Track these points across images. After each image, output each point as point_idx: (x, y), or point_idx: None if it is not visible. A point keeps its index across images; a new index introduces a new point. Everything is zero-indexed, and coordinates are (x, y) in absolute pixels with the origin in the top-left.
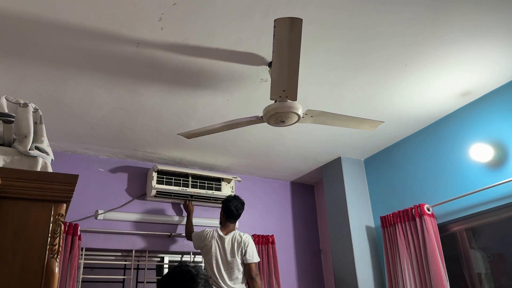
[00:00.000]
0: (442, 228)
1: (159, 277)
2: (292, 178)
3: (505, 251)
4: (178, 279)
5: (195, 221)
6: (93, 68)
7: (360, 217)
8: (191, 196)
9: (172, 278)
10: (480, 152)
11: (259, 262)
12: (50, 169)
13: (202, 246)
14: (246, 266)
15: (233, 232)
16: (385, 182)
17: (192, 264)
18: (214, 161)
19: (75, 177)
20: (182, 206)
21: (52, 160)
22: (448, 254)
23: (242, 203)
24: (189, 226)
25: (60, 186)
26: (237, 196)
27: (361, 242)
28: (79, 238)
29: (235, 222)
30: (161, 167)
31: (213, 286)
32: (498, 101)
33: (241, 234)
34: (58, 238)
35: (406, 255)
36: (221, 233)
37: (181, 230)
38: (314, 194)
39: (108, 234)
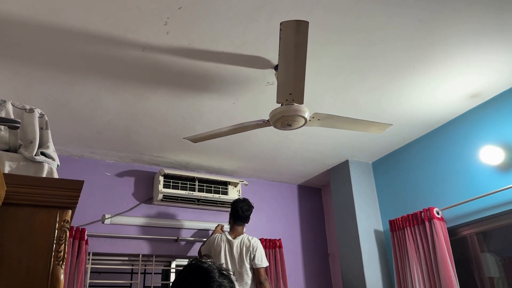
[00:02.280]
0: (452, 231)
1: (166, 282)
2: (299, 182)
3: None
4: (191, 279)
5: (201, 225)
6: (99, 73)
7: (369, 220)
8: (198, 200)
9: (185, 279)
10: (490, 154)
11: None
12: (56, 175)
13: (212, 249)
14: (255, 271)
15: (241, 236)
16: (393, 185)
17: (203, 259)
18: (220, 164)
19: (81, 183)
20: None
21: (58, 165)
22: (459, 258)
23: (249, 205)
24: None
25: (66, 192)
26: (246, 198)
27: (370, 246)
28: (86, 243)
29: (243, 225)
30: (168, 171)
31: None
32: (508, 102)
33: (250, 238)
34: (63, 244)
35: (415, 259)
36: (229, 237)
37: (188, 234)
38: (321, 197)
39: (115, 238)
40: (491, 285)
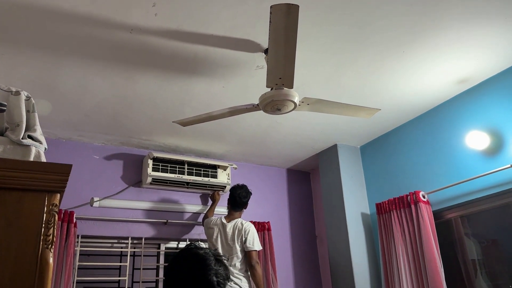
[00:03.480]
0: (437, 215)
1: (158, 264)
2: (288, 165)
3: (498, 237)
4: (187, 265)
5: (191, 208)
6: (86, 55)
7: (356, 204)
8: (187, 183)
9: (181, 265)
10: (476, 139)
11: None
12: (43, 158)
13: (207, 231)
14: (247, 254)
15: (235, 220)
16: (381, 169)
17: (199, 245)
18: (210, 148)
19: (69, 166)
20: (209, 196)
21: (45, 149)
22: (443, 240)
23: (247, 192)
24: (208, 212)
25: (54, 176)
26: (244, 185)
27: (357, 229)
28: (75, 226)
29: (240, 211)
30: (157, 154)
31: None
32: (495, 88)
33: (243, 222)
34: (52, 228)
35: (401, 242)
36: (224, 221)
37: (178, 217)
38: (310, 181)
39: (104, 221)
40: (473, 267)
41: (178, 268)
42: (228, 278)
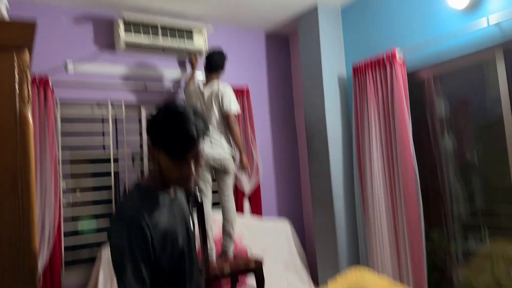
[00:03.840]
0: (411, 76)
1: (141, 125)
2: (267, 28)
3: (468, 97)
4: (167, 118)
5: (171, 73)
6: None
7: (333, 66)
8: (163, 49)
9: (161, 119)
10: None
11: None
12: (6, 17)
13: (187, 99)
14: (225, 116)
15: (212, 83)
16: (360, 29)
17: (177, 102)
18: (184, 9)
19: (33, 23)
20: (187, 60)
21: (7, 8)
22: (415, 100)
23: (221, 55)
24: (188, 82)
25: (19, 32)
26: (220, 50)
27: (333, 91)
28: (52, 92)
29: (216, 73)
30: (128, 15)
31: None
32: None
33: (220, 84)
34: (25, 84)
35: (373, 101)
36: (201, 86)
37: (156, 83)
38: (289, 46)
39: (81, 88)
40: (441, 125)
41: (159, 123)
42: (207, 129)
